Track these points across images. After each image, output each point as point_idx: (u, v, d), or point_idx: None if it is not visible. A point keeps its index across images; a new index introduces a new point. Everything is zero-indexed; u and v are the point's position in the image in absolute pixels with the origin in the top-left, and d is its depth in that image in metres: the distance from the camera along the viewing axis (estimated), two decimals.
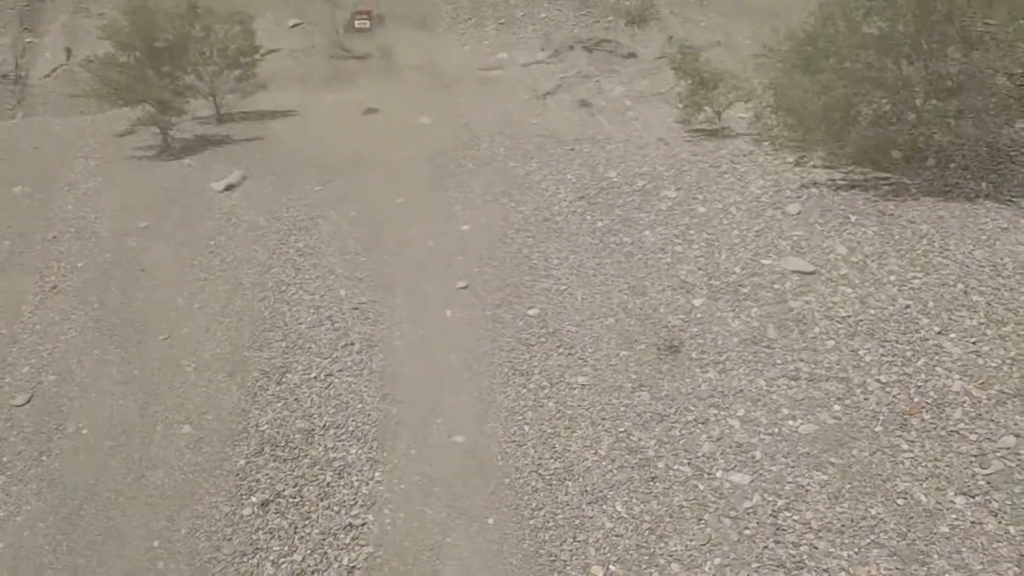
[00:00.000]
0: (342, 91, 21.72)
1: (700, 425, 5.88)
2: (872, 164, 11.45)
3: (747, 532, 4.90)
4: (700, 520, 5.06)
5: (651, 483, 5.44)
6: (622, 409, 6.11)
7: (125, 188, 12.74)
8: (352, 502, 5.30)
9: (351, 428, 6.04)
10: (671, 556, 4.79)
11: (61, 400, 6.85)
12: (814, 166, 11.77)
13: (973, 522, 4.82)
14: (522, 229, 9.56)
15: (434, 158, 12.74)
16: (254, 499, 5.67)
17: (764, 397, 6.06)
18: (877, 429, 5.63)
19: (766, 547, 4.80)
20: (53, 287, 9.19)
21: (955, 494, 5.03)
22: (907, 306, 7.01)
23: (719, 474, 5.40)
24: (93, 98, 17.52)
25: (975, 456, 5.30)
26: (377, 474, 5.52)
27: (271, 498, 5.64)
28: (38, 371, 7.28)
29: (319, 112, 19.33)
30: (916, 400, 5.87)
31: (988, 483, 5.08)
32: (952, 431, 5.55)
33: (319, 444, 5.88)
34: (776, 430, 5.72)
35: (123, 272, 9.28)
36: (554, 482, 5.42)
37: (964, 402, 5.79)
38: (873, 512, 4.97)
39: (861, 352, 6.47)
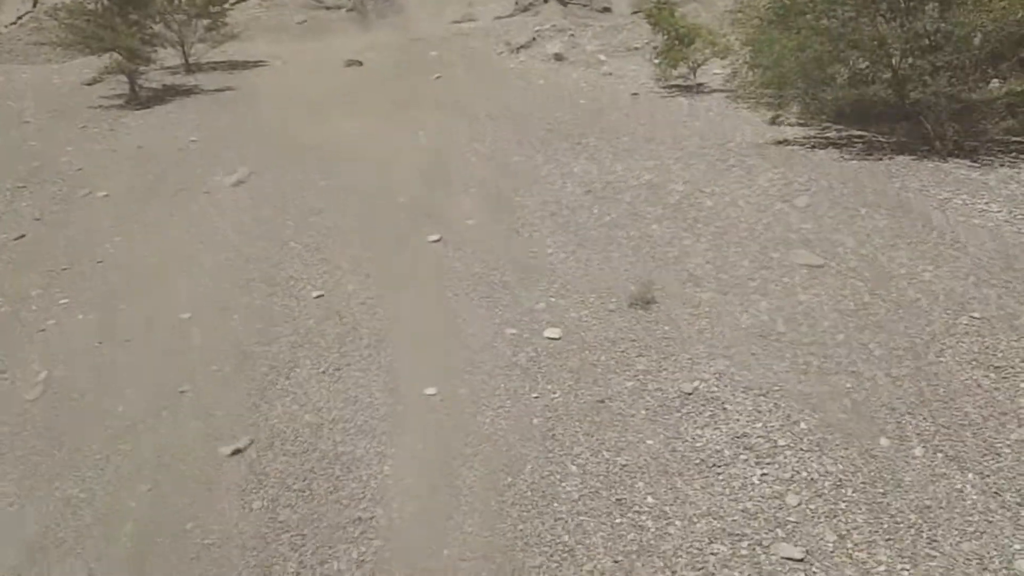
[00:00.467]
0: (317, 42, 21.79)
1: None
2: (849, 122, 11.55)
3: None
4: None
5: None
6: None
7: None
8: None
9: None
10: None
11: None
12: (790, 124, 11.91)
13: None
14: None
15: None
16: (224, 449, 5.79)
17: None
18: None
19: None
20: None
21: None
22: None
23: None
24: (60, 47, 17.58)
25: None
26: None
27: (243, 447, 5.79)
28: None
29: (295, 64, 19.44)
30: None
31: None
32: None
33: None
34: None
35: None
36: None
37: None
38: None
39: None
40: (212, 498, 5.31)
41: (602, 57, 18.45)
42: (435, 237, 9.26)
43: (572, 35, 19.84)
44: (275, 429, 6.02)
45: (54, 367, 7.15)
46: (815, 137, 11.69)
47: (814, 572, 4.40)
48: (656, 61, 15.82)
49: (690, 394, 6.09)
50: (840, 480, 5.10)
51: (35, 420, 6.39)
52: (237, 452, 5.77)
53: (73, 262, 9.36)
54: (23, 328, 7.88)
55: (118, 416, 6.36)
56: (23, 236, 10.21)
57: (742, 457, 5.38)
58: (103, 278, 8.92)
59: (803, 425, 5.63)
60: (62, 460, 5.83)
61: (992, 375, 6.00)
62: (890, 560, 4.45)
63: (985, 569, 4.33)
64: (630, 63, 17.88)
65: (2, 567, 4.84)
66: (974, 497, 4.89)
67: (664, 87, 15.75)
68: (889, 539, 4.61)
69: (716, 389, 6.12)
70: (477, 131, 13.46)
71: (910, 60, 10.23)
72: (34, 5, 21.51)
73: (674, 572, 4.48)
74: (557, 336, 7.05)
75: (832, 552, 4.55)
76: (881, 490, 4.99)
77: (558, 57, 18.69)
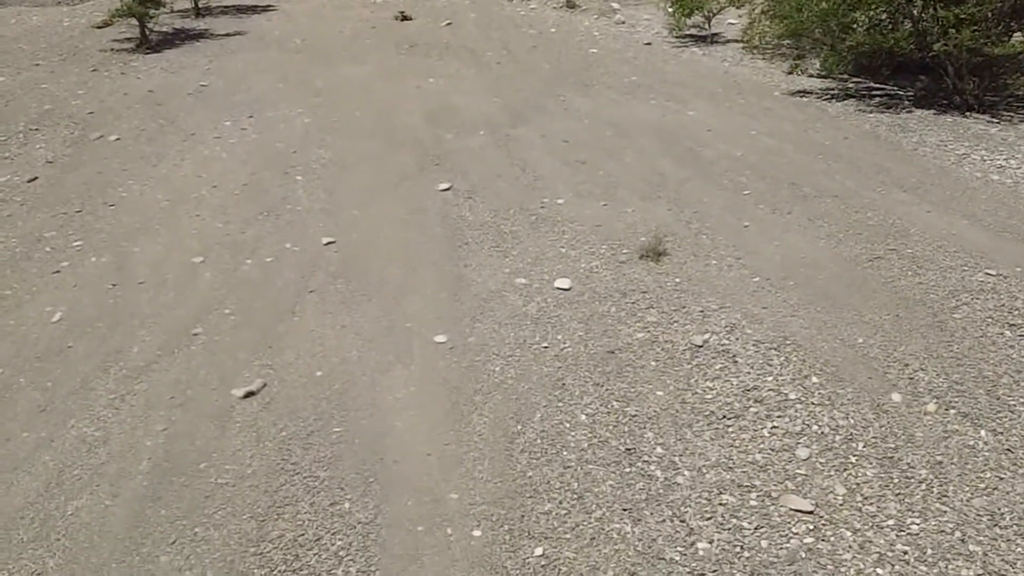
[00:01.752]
0: None
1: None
2: (868, 75, 11.40)
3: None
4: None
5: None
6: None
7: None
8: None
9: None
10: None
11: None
12: (808, 75, 11.78)
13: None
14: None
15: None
16: (237, 392, 5.84)
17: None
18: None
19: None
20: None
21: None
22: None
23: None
24: None
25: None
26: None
27: (256, 390, 5.84)
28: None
29: (304, 8, 19.10)
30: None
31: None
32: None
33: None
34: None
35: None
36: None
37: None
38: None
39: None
40: (226, 439, 5.36)
41: (615, 5, 18.16)
42: (445, 186, 9.20)
43: None
44: (287, 373, 6.05)
45: (68, 308, 7.17)
46: (833, 89, 11.52)
47: (823, 524, 4.43)
48: (670, 10, 15.56)
49: (700, 346, 6.08)
50: (851, 434, 5.11)
51: (49, 359, 6.43)
52: (250, 395, 5.81)
53: (86, 204, 9.35)
54: (37, 269, 7.89)
55: (132, 357, 6.39)
56: (36, 179, 10.20)
57: (752, 410, 5.38)
58: (116, 221, 8.92)
59: (814, 379, 5.63)
60: (77, 399, 5.87)
61: (1008, 332, 5.98)
62: (900, 514, 4.47)
63: (996, 525, 4.34)
64: (643, 11, 17.61)
65: (18, 502, 4.91)
66: (986, 454, 4.90)
67: (678, 36, 15.51)
68: (899, 494, 4.62)
69: (727, 342, 6.11)
70: (487, 77, 13.30)
71: (932, 11, 10.05)
72: None
73: (683, 521, 4.52)
74: (567, 287, 7.03)
75: (842, 505, 4.57)
76: (892, 445, 5.00)
77: (570, 5, 18.44)
